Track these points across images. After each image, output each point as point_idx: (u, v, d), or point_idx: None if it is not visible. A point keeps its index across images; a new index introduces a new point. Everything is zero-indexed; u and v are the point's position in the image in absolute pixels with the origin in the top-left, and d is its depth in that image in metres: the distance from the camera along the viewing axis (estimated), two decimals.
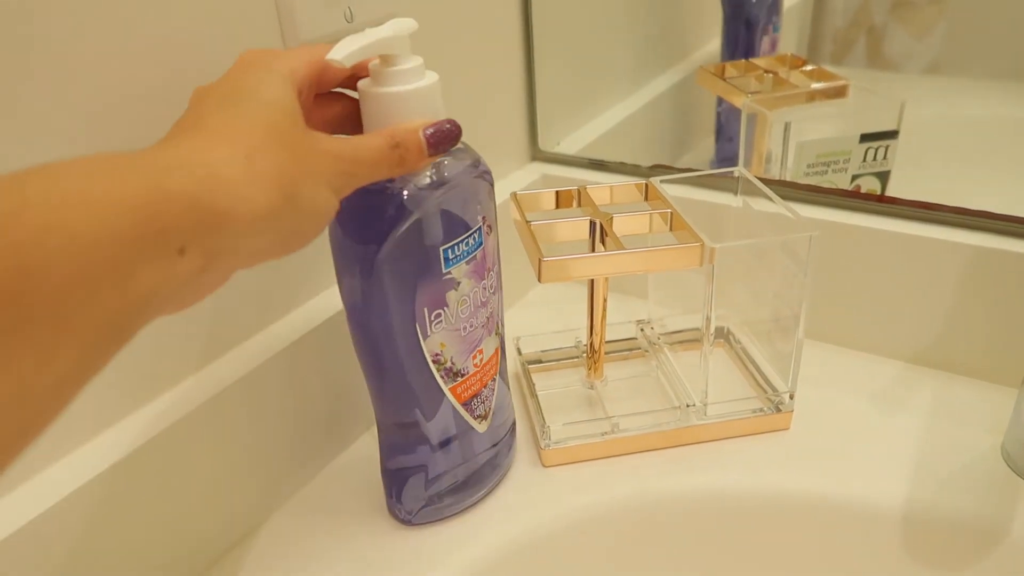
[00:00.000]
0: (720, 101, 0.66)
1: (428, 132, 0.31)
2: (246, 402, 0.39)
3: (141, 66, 0.33)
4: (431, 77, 0.33)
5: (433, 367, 0.37)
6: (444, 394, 0.38)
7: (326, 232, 0.34)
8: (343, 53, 0.30)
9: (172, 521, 0.37)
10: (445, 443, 0.39)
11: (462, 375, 0.38)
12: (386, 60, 0.32)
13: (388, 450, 0.40)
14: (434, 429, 0.39)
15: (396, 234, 0.33)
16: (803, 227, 0.41)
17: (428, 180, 0.34)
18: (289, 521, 0.42)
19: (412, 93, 0.32)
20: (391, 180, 0.33)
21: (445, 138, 0.32)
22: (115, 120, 0.32)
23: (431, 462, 0.40)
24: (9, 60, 0.29)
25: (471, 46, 0.52)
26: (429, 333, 0.36)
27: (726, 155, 0.66)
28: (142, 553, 0.36)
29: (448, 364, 0.37)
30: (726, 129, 0.67)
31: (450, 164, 0.34)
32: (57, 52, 0.30)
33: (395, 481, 0.40)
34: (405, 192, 0.33)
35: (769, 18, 0.64)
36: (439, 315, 0.36)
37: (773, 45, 0.65)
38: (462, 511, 0.42)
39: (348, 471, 0.45)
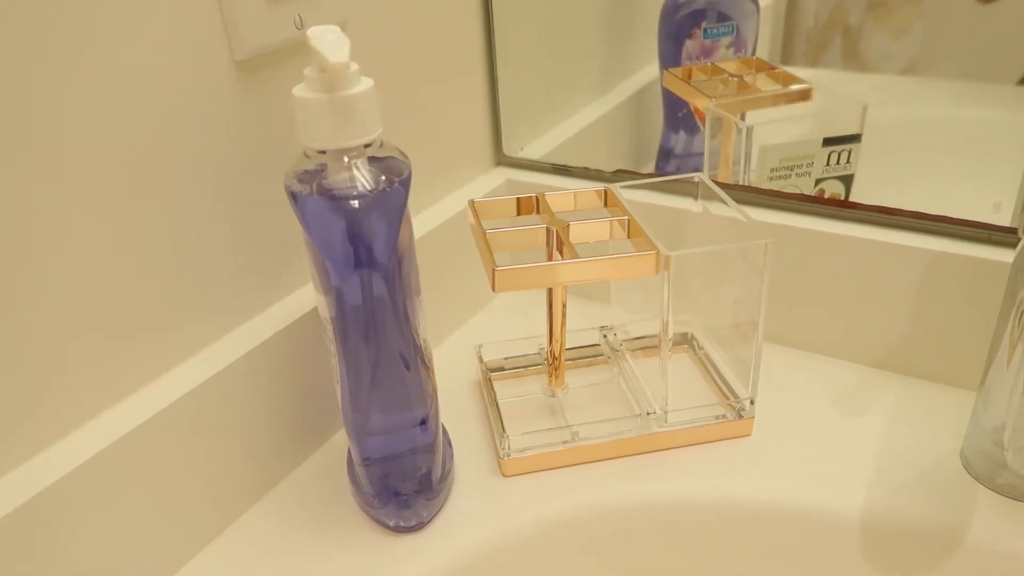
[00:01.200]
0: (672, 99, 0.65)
1: None
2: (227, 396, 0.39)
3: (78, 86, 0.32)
4: (367, 83, 0.33)
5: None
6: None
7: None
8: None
9: (154, 514, 0.37)
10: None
11: None
12: (320, 65, 0.32)
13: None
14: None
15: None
16: (759, 233, 0.41)
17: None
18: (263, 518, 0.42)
19: (352, 98, 0.32)
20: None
21: None
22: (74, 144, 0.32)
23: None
24: None
25: (432, 51, 0.52)
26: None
27: (668, 144, 0.66)
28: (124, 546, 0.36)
29: None
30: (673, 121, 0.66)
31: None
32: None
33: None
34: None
35: (696, 23, 0.64)
36: None
37: (707, 52, 0.64)
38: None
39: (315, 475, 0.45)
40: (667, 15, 0.66)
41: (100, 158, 0.34)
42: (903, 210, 0.48)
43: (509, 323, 0.58)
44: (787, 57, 0.65)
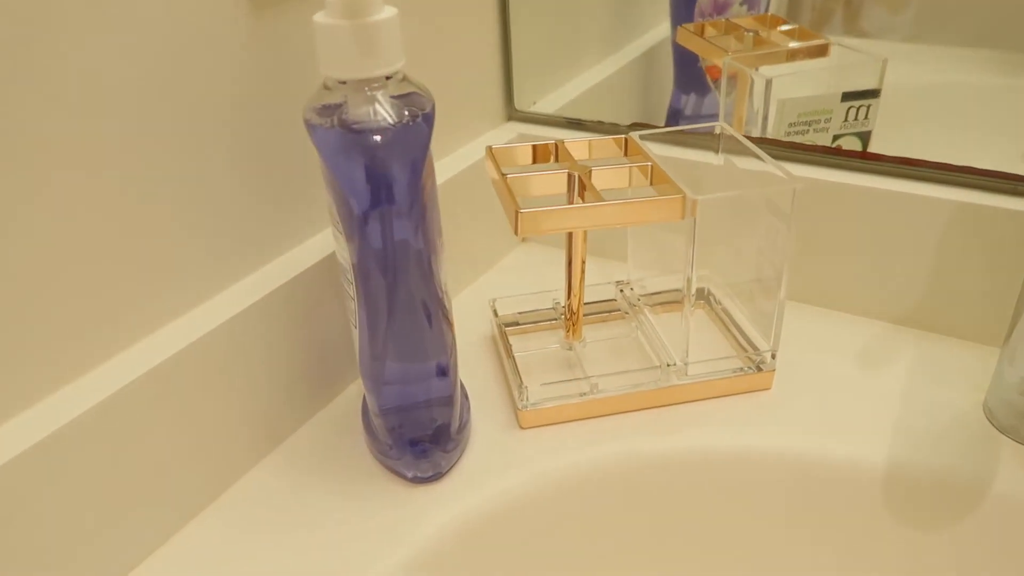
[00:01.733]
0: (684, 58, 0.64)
1: None
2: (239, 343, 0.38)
3: None
4: (390, 10, 0.31)
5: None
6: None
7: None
8: None
9: (163, 465, 0.36)
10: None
11: None
12: None
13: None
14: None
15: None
16: (787, 181, 0.40)
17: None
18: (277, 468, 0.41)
19: (374, 25, 0.31)
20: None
21: None
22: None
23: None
24: None
25: (445, 1, 0.50)
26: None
27: (677, 105, 0.65)
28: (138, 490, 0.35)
29: None
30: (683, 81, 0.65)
31: None
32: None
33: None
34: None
35: None
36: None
37: (720, 9, 0.63)
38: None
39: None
40: None
41: (107, 94, 0.32)
42: (927, 161, 0.47)
43: (521, 281, 0.57)
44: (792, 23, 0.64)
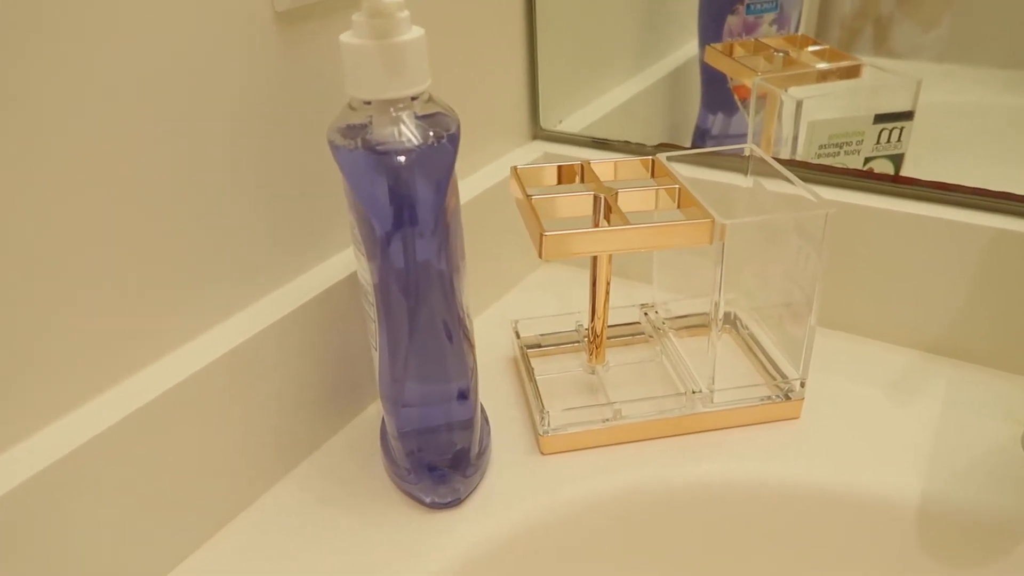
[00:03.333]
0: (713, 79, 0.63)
1: None
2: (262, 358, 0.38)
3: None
4: (417, 31, 0.31)
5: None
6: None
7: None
8: None
9: (180, 485, 0.36)
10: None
11: None
12: (373, 10, 0.30)
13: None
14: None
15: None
16: (818, 205, 0.39)
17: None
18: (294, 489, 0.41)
19: (401, 46, 0.30)
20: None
21: None
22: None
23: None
24: None
25: (471, 20, 0.50)
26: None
27: (704, 125, 0.64)
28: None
29: None
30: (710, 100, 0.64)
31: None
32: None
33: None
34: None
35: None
36: None
37: (749, 29, 0.62)
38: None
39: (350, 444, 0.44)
40: None
41: (132, 111, 0.32)
42: (962, 186, 0.46)
43: (543, 302, 0.57)
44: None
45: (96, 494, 0.32)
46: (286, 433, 0.41)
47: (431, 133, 0.33)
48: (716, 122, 0.66)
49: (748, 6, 0.63)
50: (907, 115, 0.54)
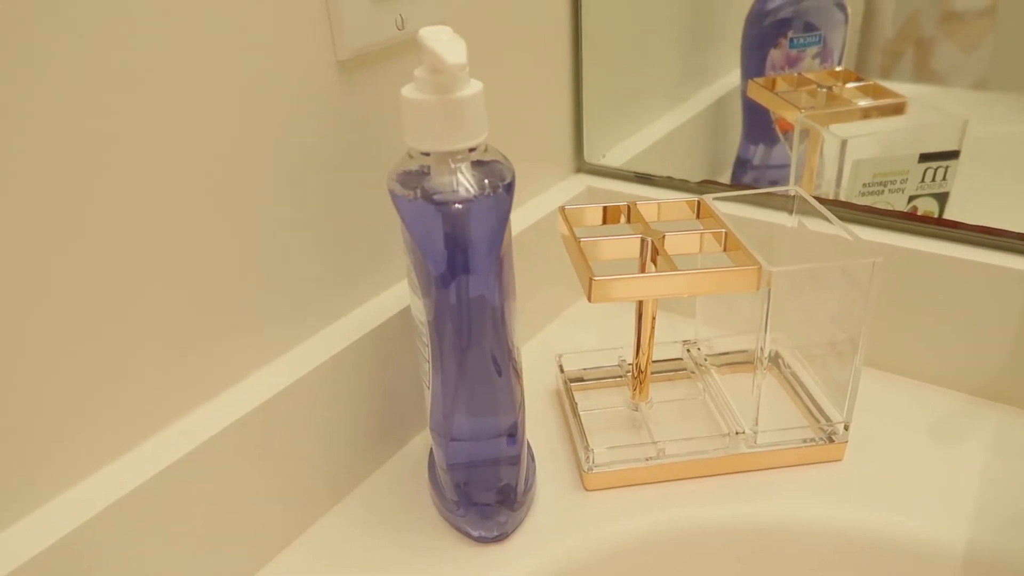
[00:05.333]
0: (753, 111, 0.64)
1: None
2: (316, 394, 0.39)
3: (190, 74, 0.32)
4: (476, 85, 0.32)
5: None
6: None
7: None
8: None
9: (232, 517, 0.37)
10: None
11: None
12: (435, 68, 0.31)
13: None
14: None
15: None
16: (865, 252, 0.39)
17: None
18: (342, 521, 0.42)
19: (461, 101, 0.31)
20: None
21: None
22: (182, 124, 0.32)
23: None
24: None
25: (519, 55, 0.51)
26: None
27: (745, 156, 0.64)
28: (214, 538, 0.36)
29: None
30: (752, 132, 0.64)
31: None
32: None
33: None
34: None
35: (782, 32, 0.62)
36: None
37: (792, 62, 0.63)
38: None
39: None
40: (752, 23, 0.64)
41: (194, 153, 0.34)
42: (1008, 231, 0.46)
43: (585, 334, 0.57)
44: (861, 69, 0.63)
45: (153, 531, 0.34)
46: (336, 465, 0.43)
47: (487, 182, 0.34)
48: (757, 153, 0.66)
49: (791, 40, 0.63)
50: (953, 154, 0.54)
